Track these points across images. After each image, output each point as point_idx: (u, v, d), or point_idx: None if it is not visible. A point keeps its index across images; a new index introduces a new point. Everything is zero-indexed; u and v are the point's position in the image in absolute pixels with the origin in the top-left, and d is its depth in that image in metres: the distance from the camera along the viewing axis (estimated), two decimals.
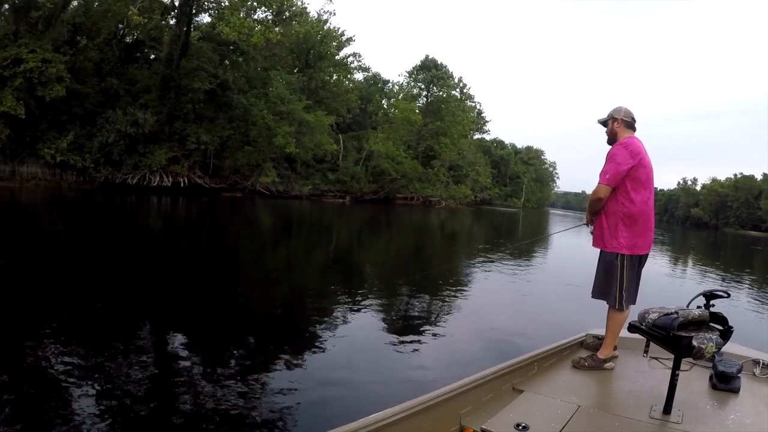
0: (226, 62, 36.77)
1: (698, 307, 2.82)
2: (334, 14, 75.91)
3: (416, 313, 7.65)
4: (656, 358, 3.07)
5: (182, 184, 33.42)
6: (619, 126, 3.51)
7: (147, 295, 7.42)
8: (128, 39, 34.29)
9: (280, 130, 37.01)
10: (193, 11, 33.84)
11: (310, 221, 26.54)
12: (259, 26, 35.10)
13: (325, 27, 49.42)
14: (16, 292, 6.68)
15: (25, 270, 8.18)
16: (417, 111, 62.41)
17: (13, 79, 25.09)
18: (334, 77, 51.78)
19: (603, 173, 3.41)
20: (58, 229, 14.21)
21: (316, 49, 48.02)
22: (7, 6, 27.54)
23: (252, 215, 26.50)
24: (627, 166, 3.33)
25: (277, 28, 34.41)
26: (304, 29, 45.57)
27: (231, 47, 35.67)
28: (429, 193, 58.80)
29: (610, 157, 3.41)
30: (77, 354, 4.62)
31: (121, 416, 3.57)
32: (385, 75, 76.34)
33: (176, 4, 33.96)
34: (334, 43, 50.49)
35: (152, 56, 36.48)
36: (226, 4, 35.21)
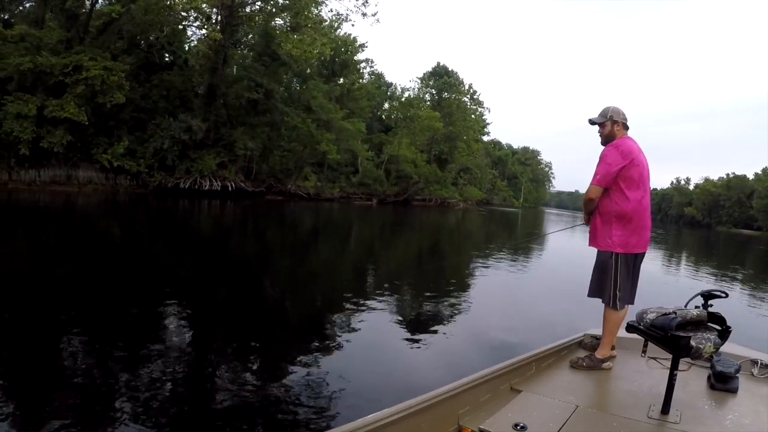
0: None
1: (696, 307, 2.62)
2: (346, 20, 73.96)
3: (416, 313, 7.31)
4: (654, 358, 2.87)
5: (230, 188, 33.28)
6: (618, 128, 3.32)
7: (191, 293, 7.35)
8: (143, 44, 33.28)
9: (323, 137, 37.30)
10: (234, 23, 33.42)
11: (347, 222, 26.52)
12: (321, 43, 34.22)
13: (337, 33, 46.92)
14: (73, 290, 6.70)
15: (85, 268, 8.27)
16: (439, 118, 60.59)
17: (75, 86, 24.64)
18: (357, 84, 50.85)
19: (594, 174, 3.25)
20: (123, 232, 14.44)
21: (342, 57, 47.58)
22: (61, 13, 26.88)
23: (297, 217, 26.40)
24: (617, 167, 3.15)
25: (296, 36, 33.92)
26: (329, 38, 44.24)
27: (272, 58, 35.21)
28: (445, 195, 58.43)
29: (601, 158, 3.25)
30: (120, 349, 4.56)
31: (147, 407, 3.50)
32: (387, 78, 74.24)
33: (213, 12, 33.54)
34: (349, 48, 49.40)
35: (167, 59, 35.67)
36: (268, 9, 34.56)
